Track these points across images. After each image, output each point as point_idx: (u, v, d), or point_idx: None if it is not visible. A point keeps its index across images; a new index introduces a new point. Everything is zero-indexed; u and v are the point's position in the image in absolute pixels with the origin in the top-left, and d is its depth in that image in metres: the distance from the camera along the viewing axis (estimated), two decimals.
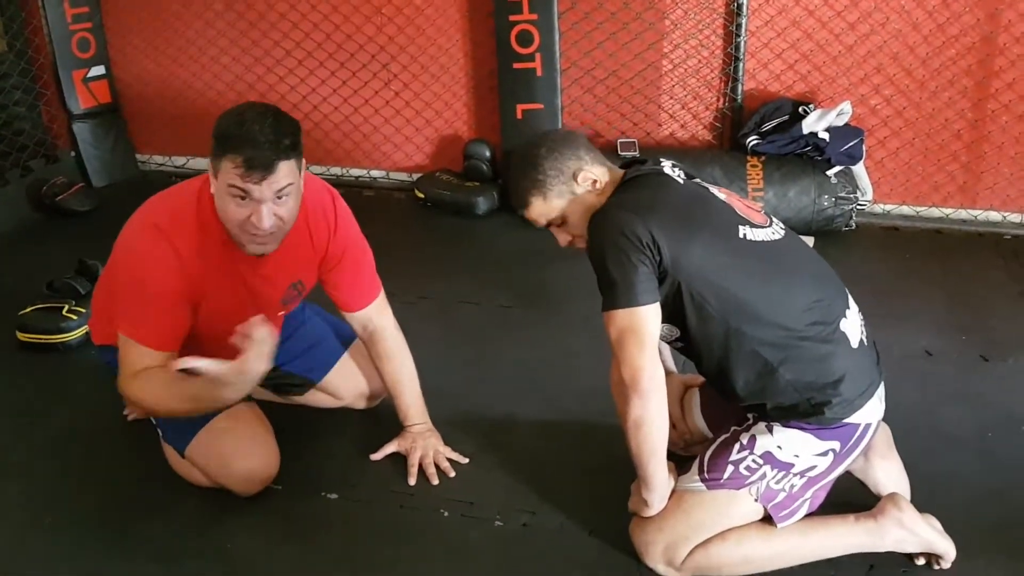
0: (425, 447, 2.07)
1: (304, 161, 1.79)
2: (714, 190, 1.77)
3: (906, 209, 3.64)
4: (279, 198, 1.71)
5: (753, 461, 1.70)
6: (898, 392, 2.39)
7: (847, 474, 1.85)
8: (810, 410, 1.67)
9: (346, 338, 2.29)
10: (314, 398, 2.29)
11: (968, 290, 3.03)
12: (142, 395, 1.80)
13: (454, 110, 4.02)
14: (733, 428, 1.77)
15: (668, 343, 1.78)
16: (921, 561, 1.78)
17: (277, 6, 4.01)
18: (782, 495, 1.70)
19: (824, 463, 1.70)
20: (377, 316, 2.11)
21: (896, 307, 2.90)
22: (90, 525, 1.97)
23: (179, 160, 4.36)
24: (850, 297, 1.80)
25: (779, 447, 1.69)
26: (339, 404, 2.31)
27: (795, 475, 1.70)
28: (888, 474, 1.89)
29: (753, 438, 1.71)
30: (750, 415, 1.76)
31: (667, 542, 1.72)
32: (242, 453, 1.96)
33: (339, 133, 4.15)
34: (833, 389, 1.66)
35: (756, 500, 1.70)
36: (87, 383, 2.49)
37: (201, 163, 4.28)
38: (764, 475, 1.69)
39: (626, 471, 1.90)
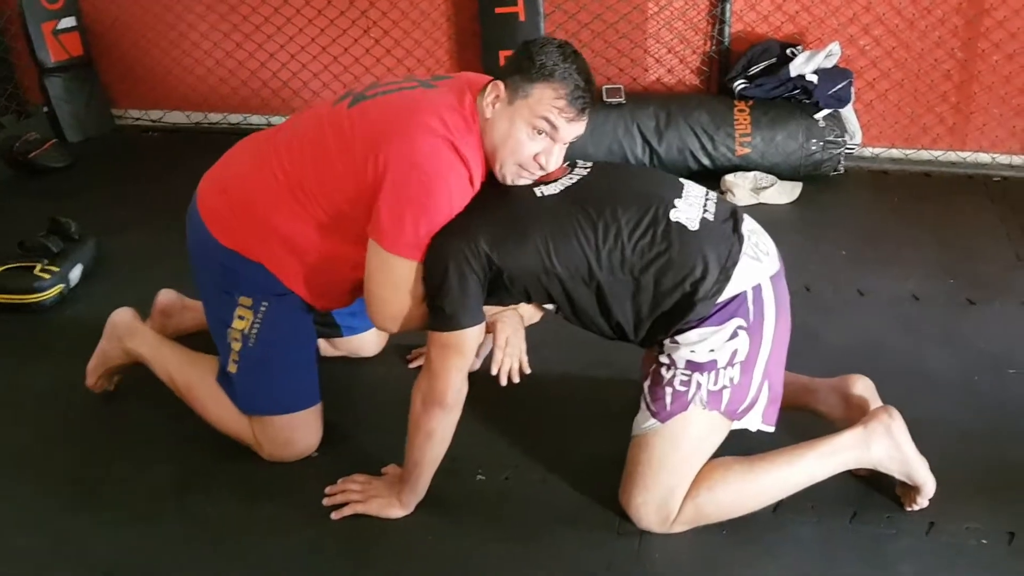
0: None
1: None
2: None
3: (895, 152, 3.60)
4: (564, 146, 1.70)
5: (682, 374, 1.69)
6: (885, 336, 2.40)
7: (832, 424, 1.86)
8: (687, 306, 1.66)
9: None
10: (321, 346, 2.25)
11: (956, 233, 3.00)
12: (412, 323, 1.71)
13: (436, 57, 3.93)
14: (655, 360, 1.76)
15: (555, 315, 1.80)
16: (909, 508, 1.77)
17: None
18: (727, 392, 1.68)
19: (743, 343, 1.68)
20: None
21: (884, 251, 2.89)
22: (65, 488, 1.94)
23: (156, 114, 4.27)
24: (684, 182, 1.80)
25: (692, 351, 1.68)
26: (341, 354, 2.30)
27: (725, 368, 1.68)
28: None
29: (670, 356, 1.71)
30: (657, 343, 1.75)
31: (657, 500, 1.70)
32: (309, 434, 1.97)
33: (318, 83, 4.06)
34: (692, 277, 1.65)
35: (705, 409, 1.68)
36: (62, 343, 2.45)
37: (179, 117, 4.22)
38: (698, 383, 1.68)
39: (609, 422, 1.89)
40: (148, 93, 4.25)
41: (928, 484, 1.75)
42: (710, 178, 3.31)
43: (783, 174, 3.33)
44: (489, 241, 1.63)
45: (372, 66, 3.98)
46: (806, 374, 1.97)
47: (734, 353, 1.68)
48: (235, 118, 4.20)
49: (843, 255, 2.88)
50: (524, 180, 1.72)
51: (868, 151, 3.60)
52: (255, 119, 4.17)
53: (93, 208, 3.27)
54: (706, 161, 3.37)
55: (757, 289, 1.69)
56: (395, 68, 3.95)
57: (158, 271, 2.63)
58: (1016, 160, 3.49)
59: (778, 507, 1.78)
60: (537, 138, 1.66)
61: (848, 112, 3.42)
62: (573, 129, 1.67)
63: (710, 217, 1.72)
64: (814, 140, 3.30)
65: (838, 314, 2.53)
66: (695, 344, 1.68)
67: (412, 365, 2.28)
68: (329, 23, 3.93)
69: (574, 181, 1.73)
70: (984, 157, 3.51)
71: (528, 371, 1.85)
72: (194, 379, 1.99)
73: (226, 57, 4.12)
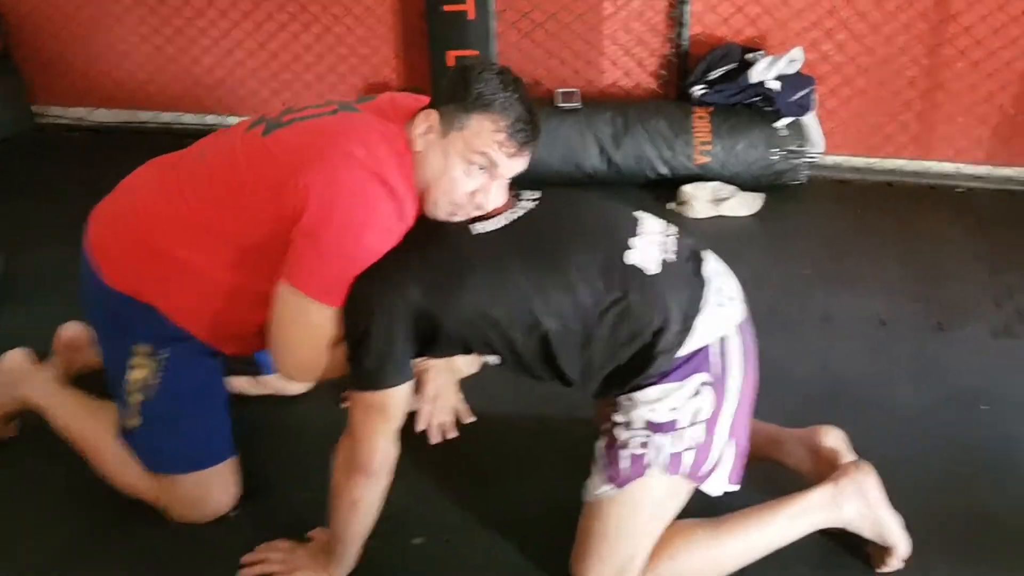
0: None
1: None
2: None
3: (858, 161, 3.48)
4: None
5: (640, 436, 1.53)
6: (851, 365, 2.28)
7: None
8: (645, 359, 1.50)
9: None
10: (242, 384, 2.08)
11: (921, 249, 2.89)
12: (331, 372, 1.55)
13: (381, 56, 3.73)
14: (610, 417, 1.59)
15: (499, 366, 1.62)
16: (881, 571, 1.64)
17: None
18: (690, 454, 1.53)
19: (707, 401, 1.52)
20: None
21: (849, 268, 2.77)
22: None
23: (79, 112, 4.00)
24: (641, 217, 1.62)
25: (651, 410, 1.52)
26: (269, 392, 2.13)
27: (687, 428, 1.52)
28: None
29: (627, 415, 1.54)
30: (612, 399, 1.58)
31: (613, 573, 1.54)
32: (221, 491, 1.78)
33: (255, 81, 3.83)
34: (651, 327, 1.48)
35: (666, 472, 1.52)
36: None
37: (105, 115, 3.95)
38: (658, 446, 1.52)
39: (562, 469, 1.74)
40: (71, 89, 3.98)
41: (901, 545, 1.63)
42: (669, 187, 3.17)
43: (744, 184, 3.19)
44: (422, 289, 1.44)
45: (313, 63, 3.76)
46: (769, 409, 1.81)
47: (697, 412, 1.52)
48: (166, 117, 3.95)
49: (807, 273, 2.75)
50: (459, 218, 1.54)
51: (830, 159, 3.47)
52: (188, 118, 3.92)
53: (7, 218, 3.03)
54: (664, 170, 3.21)
55: (723, 341, 1.54)
56: (337, 66, 3.74)
57: (74, 293, 2.40)
58: (980, 170, 3.39)
59: (743, 573, 1.63)
60: (474, 174, 1.49)
61: (810, 120, 3.28)
62: (514, 165, 1.50)
63: (671, 258, 1.55)
64: (776, 149, 3.17)
65: (802, 341, 2.39)
66: (654, 402, 1.51)
67: (344, 405, 2.09)
68: (267, 17, 3.70)
69: (517, 216, 1.55)
70: (948, 167, 3.41)
71: (469, 420, 1.68)
72: (92, 432, 1.79)
73: (155, 51, 3.86)
